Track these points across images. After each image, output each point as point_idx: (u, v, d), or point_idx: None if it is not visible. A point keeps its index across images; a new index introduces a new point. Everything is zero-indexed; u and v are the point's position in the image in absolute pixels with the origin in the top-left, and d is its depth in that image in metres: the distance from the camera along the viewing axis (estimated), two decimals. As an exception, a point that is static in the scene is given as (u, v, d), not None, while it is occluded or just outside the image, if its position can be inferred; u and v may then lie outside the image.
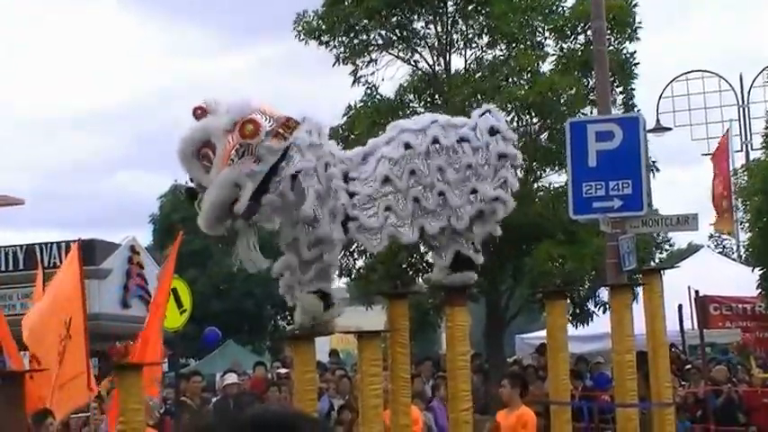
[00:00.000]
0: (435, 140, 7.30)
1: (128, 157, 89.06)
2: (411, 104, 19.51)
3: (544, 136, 19.17)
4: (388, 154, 7.19)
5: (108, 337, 23.06)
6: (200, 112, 6.91)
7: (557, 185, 18.84)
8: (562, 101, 18.24)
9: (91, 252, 24.53)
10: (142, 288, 28.11)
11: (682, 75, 29.45)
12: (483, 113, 7.62)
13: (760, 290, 19.29)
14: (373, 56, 19.71)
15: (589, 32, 17.87)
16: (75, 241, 15.24)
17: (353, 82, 19.64)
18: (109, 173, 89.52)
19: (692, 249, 34.85)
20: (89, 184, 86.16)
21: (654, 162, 18.29)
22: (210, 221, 6.77)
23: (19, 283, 25.46)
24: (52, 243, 27.26)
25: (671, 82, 29.18)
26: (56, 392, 11.76)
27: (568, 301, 14.02)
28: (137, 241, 29.84)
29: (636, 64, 19.05)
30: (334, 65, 19.70)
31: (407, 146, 7.22)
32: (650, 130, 23.26)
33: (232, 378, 15.52)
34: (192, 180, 6.90)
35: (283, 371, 15.72)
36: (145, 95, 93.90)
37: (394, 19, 19.69)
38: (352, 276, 19.51)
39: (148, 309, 12.79)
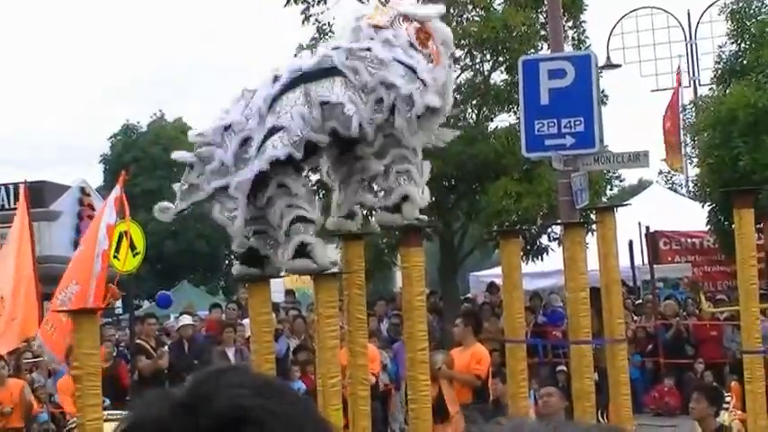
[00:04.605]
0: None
1: (78, 97, 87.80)
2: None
3: (497, 75, 19.17)
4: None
5: (59, 279, 22.87)
6: None
7: (510, 123, 18.88)
8: (515, 37, 18.19)
9: (40, 194, 24.28)
10: (93, 230, 27.85)
11: (631, 11, 29.55)
12: None
13: (709, 225, 19.55)
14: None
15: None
16: (23, 183, 15.12)
17: (303, 20, 19.44)
18: (59, 112, 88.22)
19: (643, 185, 35.24)
20: (39, 124, 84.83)
21: (602, 91, 18.40)
22: None
23: (-33, 226, 25.18)
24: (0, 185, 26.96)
25: (621, 19, 29.27)
26: None
27: (522, 237, 14.11)
28: (87, 183, 29.59)
29: None
30: (285, 5, 19.46)
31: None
32: (600, 67, 23.31)
33: (187, 320, 15.52)
34: None
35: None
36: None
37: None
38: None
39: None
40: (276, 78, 6.65)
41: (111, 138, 41.63)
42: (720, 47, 20.41)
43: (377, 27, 6.84)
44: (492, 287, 18.87)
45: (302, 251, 6.62)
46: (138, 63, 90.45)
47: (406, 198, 6.87)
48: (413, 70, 6.64)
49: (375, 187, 7.11)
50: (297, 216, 6.61)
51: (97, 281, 11.81)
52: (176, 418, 1.19)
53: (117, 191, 12.80)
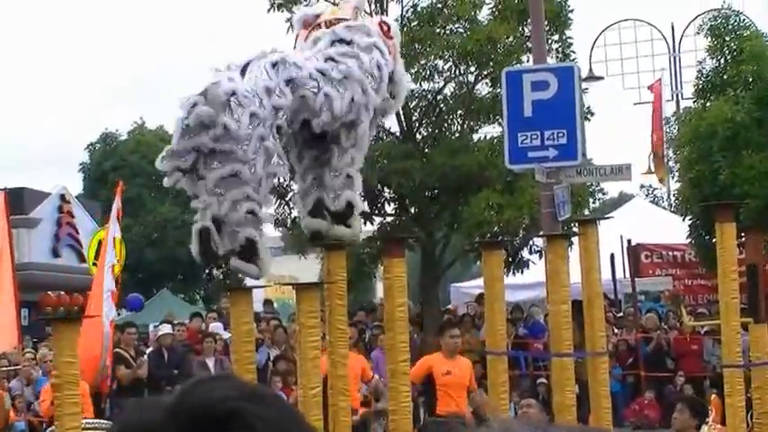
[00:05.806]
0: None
1: (56, 104, 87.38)
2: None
3: (481, 86, 19.22)
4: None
5: (39, 286, 22.77)
6: None
7: (492, 136, 18.94)
8: (500, 49, 18.26)
9: (20, 201, 24.12)
10: (73, 237, 27.80)
11: (614, 23, 29.60)
12: None
13: (690, 238, 19.59)
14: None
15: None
16: (2, 190, 15.03)
17: (288, 28, 19.41)
18: (37, 119, 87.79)
19: (623, 199, 35.32)
20: (16, 131, 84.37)
21: (588, 107, 18.47)
22: None
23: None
24: (-21, 192, 26.72)
25: (603, 30, 29.31)
26: None
27: (504, 249, 14.11)
28: (67, 190, 29.42)
29: (571, 11, 19.17)
30: (269, 10, 19.46)
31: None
32: (583, 79, 23.38)
33: (166, 329, 15.43)
34: None
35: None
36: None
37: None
38: (288, 226, 19.45)
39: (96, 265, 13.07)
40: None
41: (88, 146, 41.23)
42: (700, 62, 20.49)
43: (342, 20, 6.96)
44: (481, 298, 18.84)
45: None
46: (138, 63, 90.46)
47: (350, 206, 7.00)
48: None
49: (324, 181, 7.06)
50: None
51: (111, 295, 12.08)
52: (166, 423, 1.19)
53: (117, 203, 13.03)
